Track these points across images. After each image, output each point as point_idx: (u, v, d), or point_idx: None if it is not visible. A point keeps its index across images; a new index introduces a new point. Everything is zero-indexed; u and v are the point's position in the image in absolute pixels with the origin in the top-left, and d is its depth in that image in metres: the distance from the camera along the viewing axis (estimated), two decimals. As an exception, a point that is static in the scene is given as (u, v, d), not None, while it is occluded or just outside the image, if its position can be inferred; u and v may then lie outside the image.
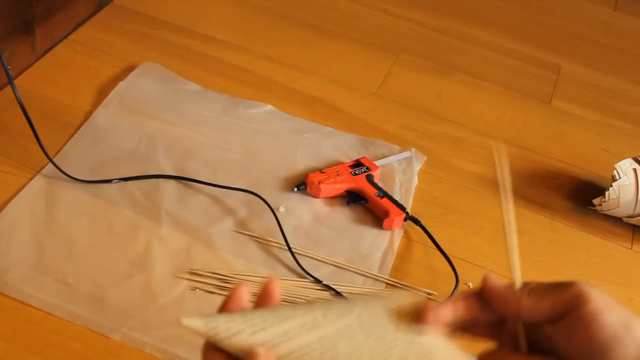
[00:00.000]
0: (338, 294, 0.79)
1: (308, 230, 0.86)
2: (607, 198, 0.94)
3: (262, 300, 0.43)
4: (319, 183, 0.89)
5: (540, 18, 1.40)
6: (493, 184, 0.98)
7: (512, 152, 1.06)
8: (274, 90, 1.08)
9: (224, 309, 0.42)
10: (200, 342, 0.41)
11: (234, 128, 0.99)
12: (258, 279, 0.78)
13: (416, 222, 0.89)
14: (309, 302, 0.44)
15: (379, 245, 0.86)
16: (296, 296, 0.78)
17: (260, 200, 0.87)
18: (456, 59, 1.24)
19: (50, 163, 0.86)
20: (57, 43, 1.08)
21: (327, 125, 1.03)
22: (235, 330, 0.40)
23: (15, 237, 0.78)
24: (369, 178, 0.92)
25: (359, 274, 0.82)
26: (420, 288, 0.82)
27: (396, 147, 1.01)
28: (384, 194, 0.90)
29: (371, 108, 1.09)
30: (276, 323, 0.40)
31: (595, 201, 0.96)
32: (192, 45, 1.13)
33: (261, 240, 0.84)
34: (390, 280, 0.82)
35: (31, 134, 0.84)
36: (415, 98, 1.13)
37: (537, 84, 1.22)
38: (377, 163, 0.95)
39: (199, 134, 0.96)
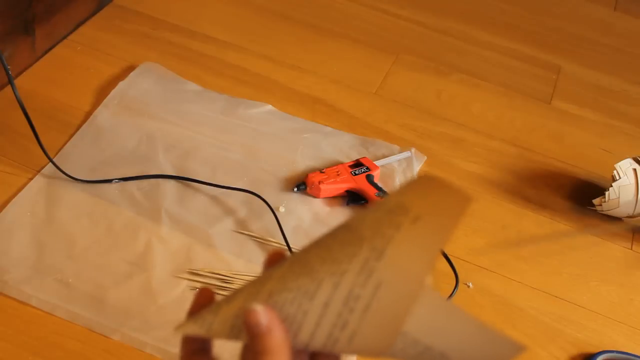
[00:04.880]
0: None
1: (308, 230, 0.86)
2: (607, 198, 0.94)
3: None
4: (319, 183, 0.89)
5: (540, 18, 1.40)
6: (493, 184, 0.98)
7: (512, 152, 1.06)
8: (273, 90, 1.08)
9: (194, 307, 0.38)
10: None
11: (234, 128, 0.99)
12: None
13: (416, 222, 0.88)
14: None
15: (379, 245, 0.86)
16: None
17: (260, 200, 0.87)
18: (456, 59, 1.23)
19: (50, 163, 0.86)
20: (57, 43, 1.08)
21: (327, 125, 1.03)
22: (221, 310, 0.36)
23: (15, 237, 0.78)
24: (369, 178, 0.92)
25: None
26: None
27: (396, 147, 1.01)
28: (384, 194, 0.90)
29: (371, 108, 1.09)
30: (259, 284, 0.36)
31: (595, 201, 0.96)
32: (192, 45, 1.13)
33: (261, 240, 0.84)
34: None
35: (31, 134, 0.84)
36: (415, 98, 1.13)
37: (537, 84, 1.22)
38: (377, 163, 0.95)
39: (199, 134, 0.96)
